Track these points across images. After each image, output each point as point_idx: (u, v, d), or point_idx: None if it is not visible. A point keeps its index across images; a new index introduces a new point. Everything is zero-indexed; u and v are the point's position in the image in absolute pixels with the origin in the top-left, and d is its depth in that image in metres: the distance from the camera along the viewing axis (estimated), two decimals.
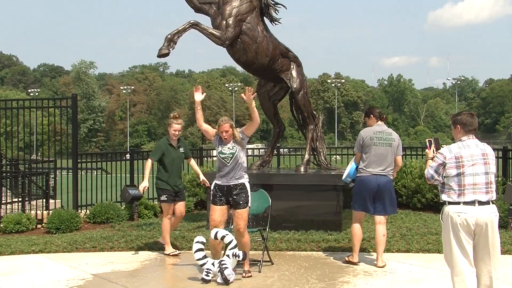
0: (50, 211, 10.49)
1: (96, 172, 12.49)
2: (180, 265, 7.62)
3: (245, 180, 6.82)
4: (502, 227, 8.92)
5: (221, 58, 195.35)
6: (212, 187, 6.90)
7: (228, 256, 6.58)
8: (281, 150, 16.33)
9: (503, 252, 6.88)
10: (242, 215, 6.71)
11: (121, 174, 12.21)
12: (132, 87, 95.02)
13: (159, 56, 9.01)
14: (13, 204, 11.03)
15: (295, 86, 10.11)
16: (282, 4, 9.91)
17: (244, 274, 6.76)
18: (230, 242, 6.62)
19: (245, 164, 6.95)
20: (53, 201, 11.51)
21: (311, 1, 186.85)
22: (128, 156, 13.12)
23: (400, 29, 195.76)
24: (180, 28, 9.07)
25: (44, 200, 11.06)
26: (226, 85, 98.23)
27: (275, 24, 9.88)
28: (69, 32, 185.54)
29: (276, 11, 9.81)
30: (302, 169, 9.96)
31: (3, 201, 10.71)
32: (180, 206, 8.37)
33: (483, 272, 4.90)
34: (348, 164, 8.09)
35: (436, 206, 10.99)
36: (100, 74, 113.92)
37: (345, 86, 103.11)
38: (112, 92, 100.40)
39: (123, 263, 7.76)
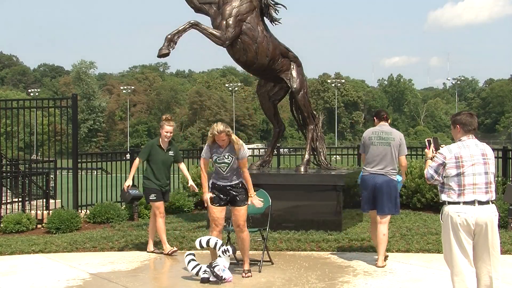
0: (50, 211, 10.49)
1: (96, 172, 12.49)
2: (180, 265, 7.61)
3: (243, 179, 6.83)
4: (502, 227, 8.92)
5: (221, 58, 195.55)
6: (210, 187, 6.89)
7: (219, 256, 6.65)
8: (281, 150, 16.35)
9: (503, 252, 6.89)
10: (241, 212, 6.73)
11: (121, 174, 12.20)
12: (132, 87, 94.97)
13: (159, 56, 9.02)
14: (13, 204, 11.03)
15: (295, 86, 10.11)
16: (282, 4, 9.93)
17: (244, 274, 6.77)
18: (216, 244, 6.67)
19: None
20: (53, 201, 11.52)
21: (311, 1, 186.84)
22: (128, 156, 13.13)
23: (400, 29, 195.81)
24: (180, 28, 9.07)
25: (44, 200, 11.07)
26: (226, 85, 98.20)
27: (275, 24, 9.90)
28: (69, 32, 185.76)
29: (276, 11, 9.82)
30: (302, 169, 9.96)
31: (3, 201, 10.71)
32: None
33: (483, 272, 4.90)
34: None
35: (436, 206, 10.99)
36: (100, 74, 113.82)
37: (345, 86, 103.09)
38: (112, 92, 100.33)
39: (123, 263, 7.76)
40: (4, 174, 11.84)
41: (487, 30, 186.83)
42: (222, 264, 6.59)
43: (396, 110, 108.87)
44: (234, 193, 6.75)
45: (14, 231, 9.81)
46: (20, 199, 10.97)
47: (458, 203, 4.87)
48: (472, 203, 4.84)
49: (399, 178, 7.58)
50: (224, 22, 9.28)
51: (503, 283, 5.22)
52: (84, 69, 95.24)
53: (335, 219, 9.18)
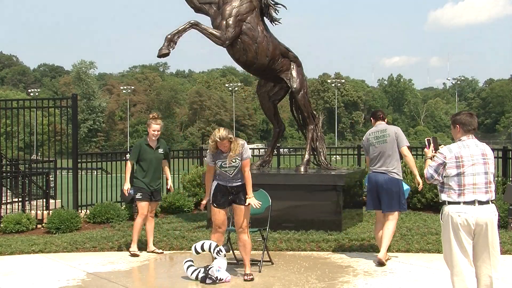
0: (50, 211, 10.49)
1: (96, 172, 12.49)
2: (180, 265, 7.60)
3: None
4: (502, 227, 8.92)
5: (221, 58, 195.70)
6: (213, 187, 6.88)
7: (215, 258, 6.69)
8: (281, 150, 16.35)
9: (503, 252, 6.89)
10: (243, 212, 6.72)
11: (121, 174, 12.16)
12: (132, 87, 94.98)
13: (159, 56, 9.02)
14: (13, 204, 11.03)
15: (295, 86, 10.11)
16: (282, 4, 9.93)
17: (245, 277, 6.74)
18: (210, 246, 6.70)
19: None
20: (53, 201, 11.51)
21: (312, 1, 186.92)
22: (128, 156, 13.12)
23: (400, 29, 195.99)
24: (180, 28, 9.07)
25: (44, 200, 11.06)
26: (226, 85, 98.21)
27: (275, 24, 9.90)
28: (69, 32, 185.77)
29: (276, 11, 9.82)
30: (302, 169, 9.96)
31: (3, 201, 10.70)
32: (152, 206, 8.47)
33: (482, 272, 4.90)
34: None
35: (436, 206, 10.98)
36: (100, 74, 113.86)
37: (345, 86, 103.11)
38: (112, 92, 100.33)
39: (123, 263, 7.76)
40: (4, 174, 11.84)
41: (487, 30, 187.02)
42: (217, 265, 6.60)
43: (396, 110, 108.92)
44: (238, 193, 6.74)
45: (14, 231, 9.80)
46: (20, 199, 10.96)
47: (458, 203, 4.87)
48: (472, 203, 4.84)
49: (405, 186, 7.70)
50: (224, 22, 9.28)
51: (503, 283, 5.22)
52: (84, 69, 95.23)
53: (335, 219, 9.18)
